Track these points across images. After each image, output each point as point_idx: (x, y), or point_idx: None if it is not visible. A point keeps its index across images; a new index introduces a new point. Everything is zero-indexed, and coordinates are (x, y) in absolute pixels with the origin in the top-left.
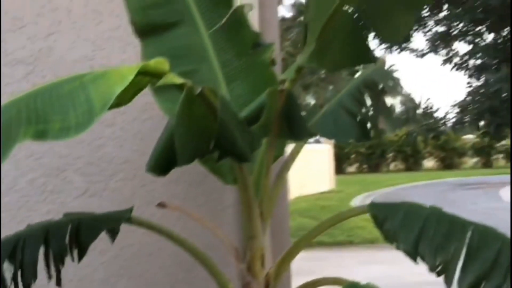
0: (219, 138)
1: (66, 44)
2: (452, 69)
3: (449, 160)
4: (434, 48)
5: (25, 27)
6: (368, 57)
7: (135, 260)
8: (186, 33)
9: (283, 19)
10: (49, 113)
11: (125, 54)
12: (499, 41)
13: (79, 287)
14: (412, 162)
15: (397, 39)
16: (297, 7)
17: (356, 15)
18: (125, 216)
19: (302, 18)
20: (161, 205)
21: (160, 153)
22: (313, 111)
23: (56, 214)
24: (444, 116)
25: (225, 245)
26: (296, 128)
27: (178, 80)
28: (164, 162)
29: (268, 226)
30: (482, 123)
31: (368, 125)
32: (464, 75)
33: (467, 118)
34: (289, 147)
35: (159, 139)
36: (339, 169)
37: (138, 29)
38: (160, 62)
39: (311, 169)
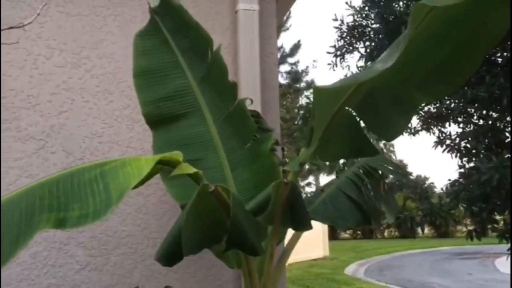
0: (231, 233)
1: (77, 122)
2: (443, 151)
3: (445, 228)
4: (426, 127)
5: (39, 105)
6: (369, 150)
7: None
8: (194, 123)
9: (279, 85)
10: (70, 201)
11: (132, 131)
12: (489, 126)
13: None
14: (406, 229)
15: (391, 139)
16: (292, 75)
17: (355, 114)
18: None
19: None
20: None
21: (169, 244)
22: (315, 196)
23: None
24: (440, 202)
25: None
26: (299, 218)
27: (191, 170)
28: (172, 253)
29: None
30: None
31: (369, 210)
32: (456, 157)
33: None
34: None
35: (170, 231)
36: (333, 234)
37: (150, 120)
38: (175, 155)
39: (304, 235)
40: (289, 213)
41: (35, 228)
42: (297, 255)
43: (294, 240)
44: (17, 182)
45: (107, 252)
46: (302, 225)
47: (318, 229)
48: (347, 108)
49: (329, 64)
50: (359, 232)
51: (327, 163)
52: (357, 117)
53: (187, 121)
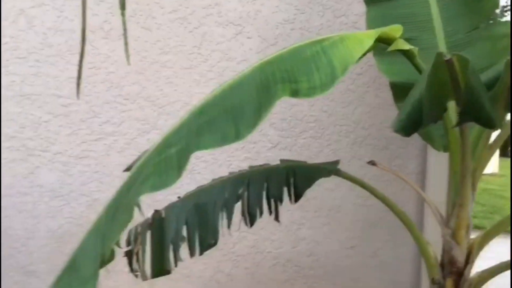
0: (467, 103)
1: (271, 8)
2: None
3: None
4: None
5: None
6: None
7: (327, 211)
8: (412, 3)
9: None
10: (297, 74)
11: (323, 18)
12: None
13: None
14: None
15: None
16: None
17: None
18: (334, 169)
19: None
20: (372, 163)
21: (407, 115)
22: None
23: (251, 161)
24: None
25: (432, 209)
26: None
27: (407, 46)
28: (410, 123)
29: (475, 196)
30: None
31: None
32: None
33: None
34: None
35: (406, 102)
36: (503, 151)
37: None
38: (394, 29)
39: None
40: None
41: (274, 97)
42: None
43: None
44: (218, 64)
45: (295, 134)
46: None
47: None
48: None
49: None
50: None
51: None
52: None
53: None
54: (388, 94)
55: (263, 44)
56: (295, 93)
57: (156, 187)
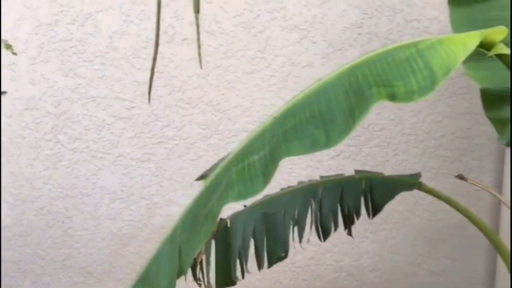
0: None
1: (338, 12)
2: None
3: None
4: None
5: None
6: None
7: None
8: (501, 6)
9: None
10: (391, 78)
11: (393, 22)
12: None
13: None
14: None
15: None
16: None
17: None
18: (416, 182)
19: None
20: (460, 177)
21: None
22: None
23: (312, 170)
24: None
25: None
26: None
27: (507, 50)
28: None
29: None
30: None
31: None
32: None
33: None
34: None
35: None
36: None
37: None
38: (497, 32)
39: None
40: None
41: (370, 101)
42: None
43: None
44: (282, 69)
45: (360, 143)
46: None
47: None
48: None
49: None
50: None
51: None
52: None
53: (494, 1)
54: (460, 103)
55: (328, 49)
56: (392, 97)
57: (241, 196)
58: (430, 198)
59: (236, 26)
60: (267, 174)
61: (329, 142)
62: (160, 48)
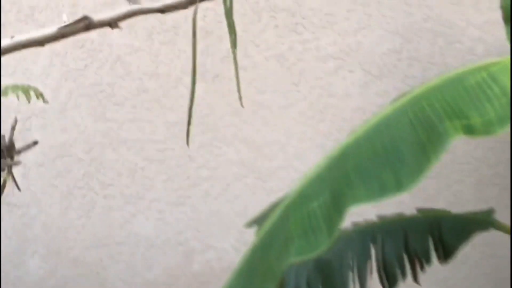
0: None
1: (374, 38)
2: None
3: None
4: None
5: (336, 24)
6: None
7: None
8: None
9: None
10: (464, 108)
11: (435, 46)
12: None
13: None
14: None
15: None
16: None
17: None
18: (491, 220)
19: None
20: None
21: None
22: None
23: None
24: None
25: None
26: None
27: None
28: None
29: None
30: None
31: None
32: None
33: None
34: None
35: None
36: None
37: (505, 13)
38: None
39: None
40: None
41: (445, 136)
42: None
43: None
44: (319, 101)
45: None
46: None
47: None
48: None
49: None
50: None
51: None
52: None
53: None
54: None
55: (366, 77)
56: (469, 131)
57: (303, 252)
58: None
59: (268, 59)
60: (331, 225)
61: (400, 186)
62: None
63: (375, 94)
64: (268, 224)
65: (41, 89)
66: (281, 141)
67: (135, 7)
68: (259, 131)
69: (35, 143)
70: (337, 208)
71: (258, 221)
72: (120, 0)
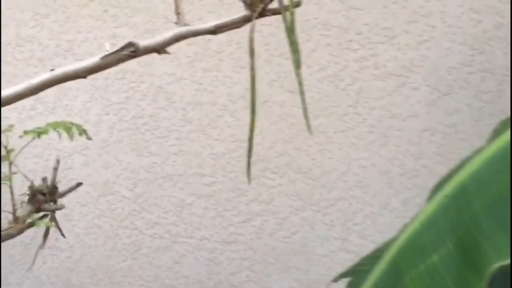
0: None
1: (440, 51)
2: None
3: None
4: None
5: (395, 38)
6: None
7: None
8: None
9: None
10: None
11: (509, 56)
12: None
13: None
14: None
15: None
16: None
17: None
18: None
19: None
20: None
21: None
22: None
23: None
24: None
25: None
26: None
27: None
28: None
29: None
30: None
31: None
32: None
33: None
34: None
35: None
36: None
37: None
38: None
39: None
40: None
41: None
42: None
43: None
44: (380, 123)
45: None
46: None
47: None
48: None
49: None
50: None
51: None
52: None
53: None
54: None
55: (434, 95)
56: None
57: None
58: None
59: (321, 81)
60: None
61: None
62: (238, 115)
63: (445, 112)
64: (372, 281)
65: (82, 125)
66: (340, 169)
67: (183, 29)
68: (314, 159)
69: (79, 184)
70: (470, 264)
71: (348, 275)
72: (161, 26)
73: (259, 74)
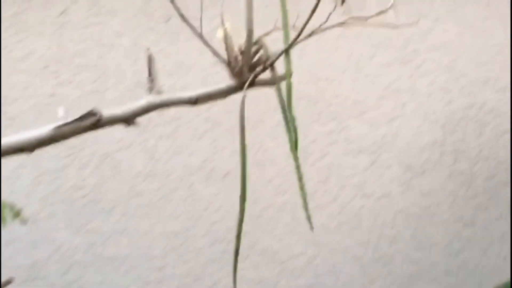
0: None
1: (411, 129)
2: None
3: None
4: None
5: (366, 113)
6: None
7: None
8: None
9: None
10: None
11: (482, 136)
12: None
13: None
14: None
15: None
16: None
17: None
18: None
19: None
20: None
21: None
22: None
23: None
24: None
25: None
26: None
27: None
28: None
29: None
30: None
31: None
32: None
33: None
34: None
35: None
36: None
37: None
38: None
39: None
40: None
41: None
42: None
43: None
44: (351, 202)
45: None
46: None
47: None
48: None
49: None
50: None
51: None
52: None
53: None
54: None
55: (407, 175)
56: None
57: None
58: None
59: (289, 155)
60: None
61: None
62: (196, 188)
63: (419, 193)
64: None
65: (9, 197)
66: (308, 254)
67: (157, 98)
68: (281, 240)
69: (9, 282)
70: None
71: None
72: (112, 87)
73: (220, 144)
